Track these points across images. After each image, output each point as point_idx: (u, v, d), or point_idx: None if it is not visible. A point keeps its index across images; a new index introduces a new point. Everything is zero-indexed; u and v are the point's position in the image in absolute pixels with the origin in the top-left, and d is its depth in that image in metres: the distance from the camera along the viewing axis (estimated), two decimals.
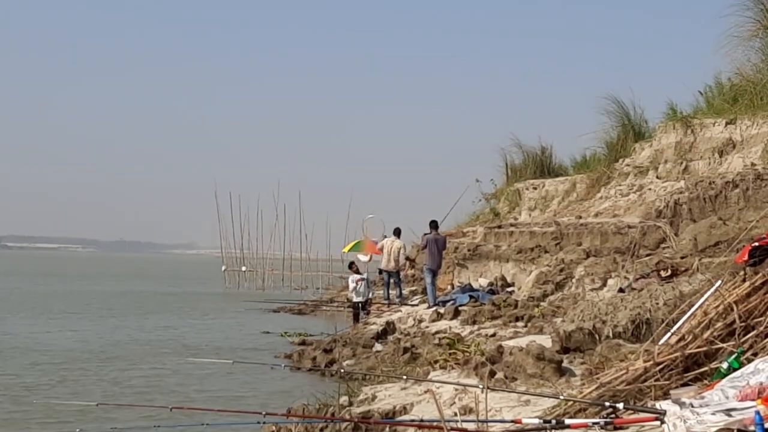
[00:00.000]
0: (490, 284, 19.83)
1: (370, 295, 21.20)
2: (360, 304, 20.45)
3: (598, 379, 6.68)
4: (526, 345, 8.99)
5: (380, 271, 22.52)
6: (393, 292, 21.45)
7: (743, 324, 6.42)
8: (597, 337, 9.08)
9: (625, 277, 13.94)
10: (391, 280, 21.35)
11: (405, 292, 22.90)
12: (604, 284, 14.60)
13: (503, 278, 20.15)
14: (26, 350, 17.57)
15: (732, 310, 6.53)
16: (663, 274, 12.12)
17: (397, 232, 21.66)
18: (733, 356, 6.06)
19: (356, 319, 20.16)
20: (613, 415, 5.80)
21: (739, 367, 5.82)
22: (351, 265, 21.63)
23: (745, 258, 7.04)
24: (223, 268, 46.89)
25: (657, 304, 9.18)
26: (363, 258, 24.14)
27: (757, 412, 4.66)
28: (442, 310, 17.12)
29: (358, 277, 20.68)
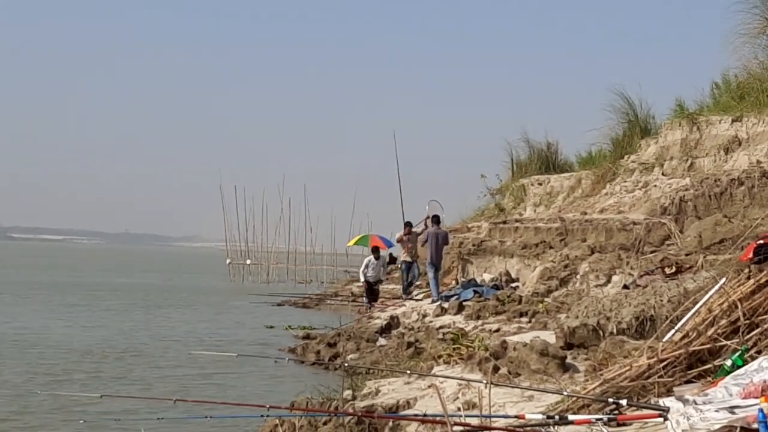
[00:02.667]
0: (494, 279, 19.84)
1: (382, 276, 22.11)
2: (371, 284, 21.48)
3: (601, 375, 6.68)
4: (530, 341, 8.99)
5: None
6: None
7: (747, 321, 6.41)
8: (601, 334, 9.07)
9: (630, 274, 13.94)
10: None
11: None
12: (609, 280, 14.59)
13: (507, 273, 20.15)
14: (38, 344, 17.57)
15: (736, 307, 6.52)
16: (667, 270, 12.12)
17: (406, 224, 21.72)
18: (737, 354, 6.06)
19: (369, 298, 21.56)
20: (616, 412, 5.81)
21: (743, 365, 5.82)
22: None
23: (750, 256, 7.03)
24: (228, 261, 46.93)
25: (661, 300, 9.16)
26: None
27: (761, 410, 4.66)
28: (446, 305, 17.12)
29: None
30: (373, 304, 21.38)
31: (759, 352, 6.09)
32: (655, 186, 19.73)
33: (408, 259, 20.77)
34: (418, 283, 23.72)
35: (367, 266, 21.45)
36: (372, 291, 21.65)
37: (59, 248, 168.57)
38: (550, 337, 9.69)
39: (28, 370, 14.32)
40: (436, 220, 19.60)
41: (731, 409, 4.92)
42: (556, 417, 5.84)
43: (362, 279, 21.70)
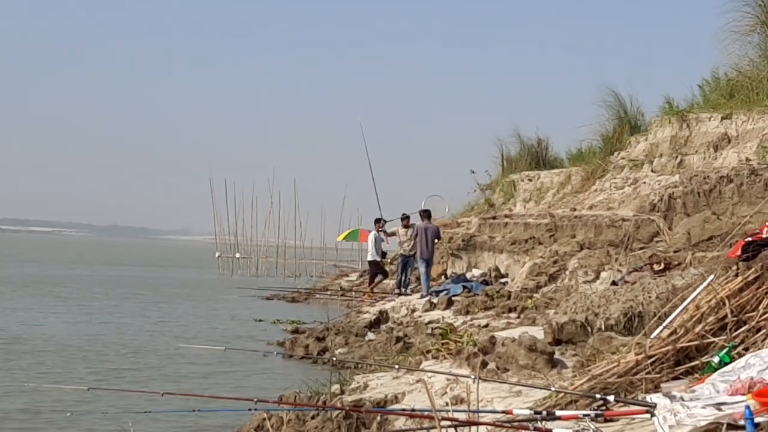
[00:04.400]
0: (484, 275, 19.85)
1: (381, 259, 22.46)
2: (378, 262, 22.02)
3: (589, 371, 6.69)
4: (519, 336, 9.00)
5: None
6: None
7: (735, 318, 6.43)
8: (589, 330, 9.09)
9: (618, 270, 13.98)
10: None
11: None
12: (597, 277, 14.64)
13: (497, 269, 20.19)
14: (26, 338, 17.47)
15: (724, 304, 6.54)
16: (656, 267, 12.15)
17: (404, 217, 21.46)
18: (725, 351, 6.07)
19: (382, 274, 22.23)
20: (603, 408, 5.81)
21: (730, 362, 5.83)
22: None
23: (738, 253, 7.04)
24: (217, 254, 46.83)
25: (649, 297, 9.19)
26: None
27: (747, 407, 4.67)
28: (435, 300, 17.12)
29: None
30: (379, 283, 22.13)
31: (746, 349, 6.11)
32: (645, 183, 19.78)
33: (405, 253, 20.31)
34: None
35: (376, 240, 21.75)
36: (379, 269, 22.11)
37: (48, 240, 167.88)
38: (538, 332, 9.70)
39: (15, 363, 14.24)
40: (426, 215, 19.55)
41: (718, 406, 4.93)
42: (544, 412, 5.85)
43: (378, 258, 21.85)
